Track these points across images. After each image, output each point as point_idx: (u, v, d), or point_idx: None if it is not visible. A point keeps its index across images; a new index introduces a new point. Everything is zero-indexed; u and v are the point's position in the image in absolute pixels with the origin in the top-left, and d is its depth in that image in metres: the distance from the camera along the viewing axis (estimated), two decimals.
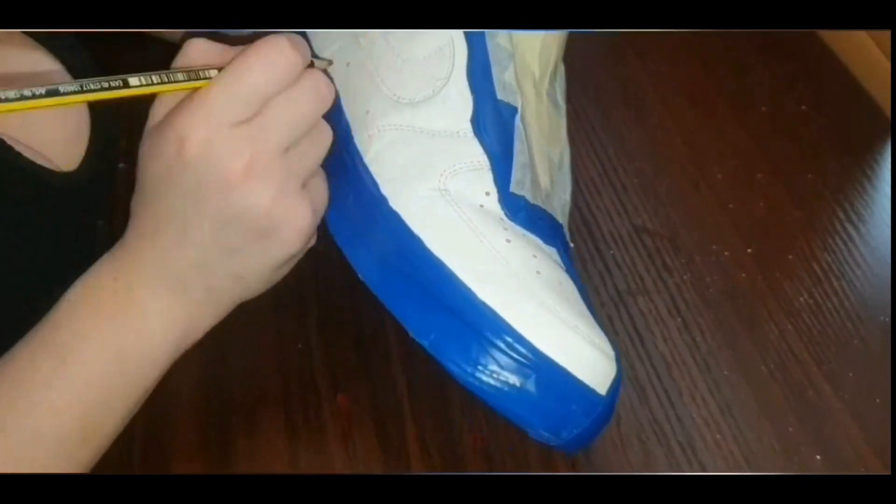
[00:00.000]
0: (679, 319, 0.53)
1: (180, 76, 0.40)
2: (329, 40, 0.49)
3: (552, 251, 0.47)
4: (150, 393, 0.43)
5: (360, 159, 0.46)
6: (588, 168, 0.61)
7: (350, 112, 0.48)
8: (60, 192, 0.47)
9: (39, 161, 0.46)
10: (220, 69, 0.40)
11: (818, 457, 0.48)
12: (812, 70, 0.69)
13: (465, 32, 0.46)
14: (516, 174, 0.46)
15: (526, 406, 0.43)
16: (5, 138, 0.45)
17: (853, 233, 0.58)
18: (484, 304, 0.43)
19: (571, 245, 0.50)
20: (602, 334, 0.44)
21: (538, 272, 0.44)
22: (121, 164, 0.56)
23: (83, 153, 0.50)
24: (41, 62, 0.50)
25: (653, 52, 0.69)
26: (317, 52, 0.49)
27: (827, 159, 0.63)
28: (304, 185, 0.42)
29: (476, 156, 0.46)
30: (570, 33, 0.52)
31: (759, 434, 0.49)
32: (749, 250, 0.57)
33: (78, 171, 0.49)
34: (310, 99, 0.41)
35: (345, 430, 0.47)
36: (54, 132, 0.49)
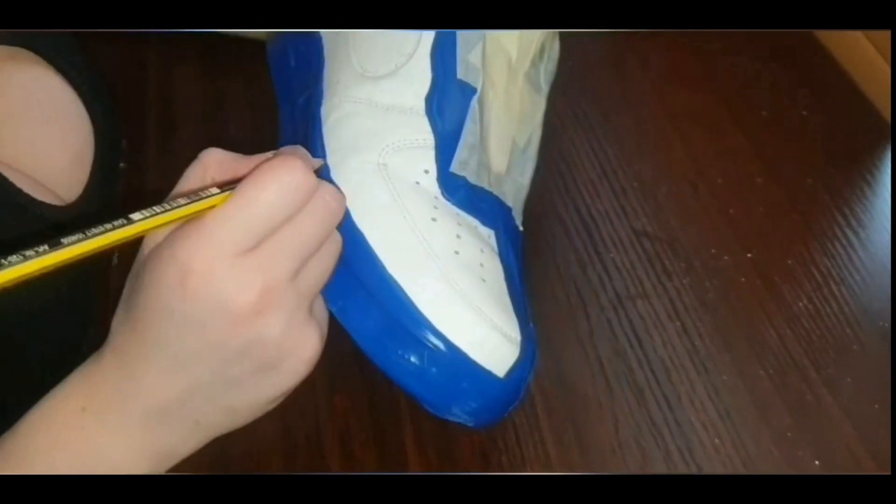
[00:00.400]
0: (678, 323, 0.53)
1: (182, 200, 0.37)
2: None
3: (489, 233, 0.47)
4: None
5: (321, 127, 0.47)
6: (587, 171, 0.61)
7: (327, 79, 0.49)
8: (60, 228, 0.46)
9: (39, 194, 0.45)
10: (221, 187, 0.37)
11: (816, 462, 0.48)
12: (812, 75, 0.69)
13: None
14: (461, 154, 0.47)
15: (415, 379, 0.43)
16: (3, 170, 0.43)
17: (853, 238, 0.58)
18: (391, 277, 0.43)
19: (521, 229, 0.51)
20: (512, 319, 0.45)
21: (457, 252, 0.45)
22: (121, 164, 0.56)
23: (86, 178, 0.49)
24: (52, 82, 0.49)
25: (652, 55, 0.70)
26: None
27: (826, 164, 0.63)
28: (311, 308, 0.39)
29: (423, 133, 0.47)
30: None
31: (758, 439, 0.48)
32: (748, 255, 0.57)
33: (79, 201, 0.47)
34: (321, 219, 0.39)
35: (342, 431, 0.47)
36: (55, 157, 0.48)
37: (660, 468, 0.47)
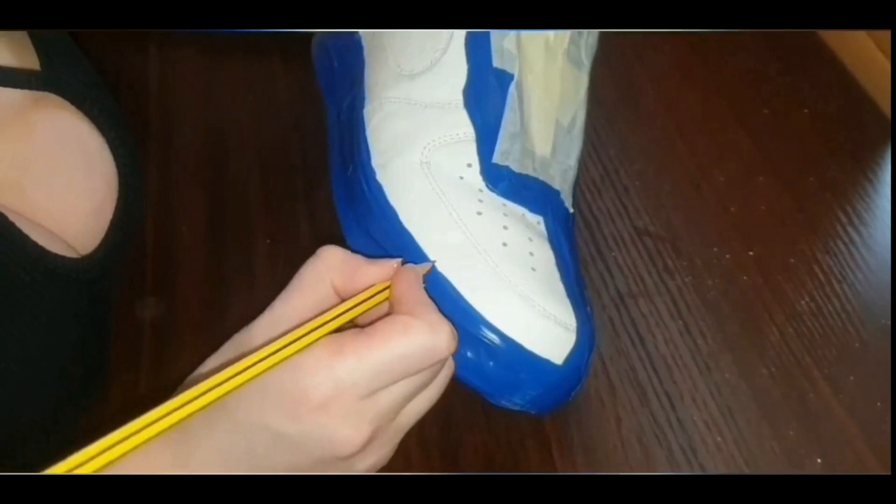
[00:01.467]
0: (680, 322, 0.53)
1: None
2: None
3: (538, 219, 0.47)
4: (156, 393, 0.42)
5: (363, 130, 0.47)
6: (589, 169, 0.61)
7: (368, 82, 0.49)
8: (72, 280, 0.44)
9: (52, 246, 0.43)
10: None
11: (819, 460, 0.48)
12: (814, 73, 0.69)
13: None
14: (502, 145, 0.47)
15: (475, 373, 0.44)
16: (14, 218, 0.41)
17: (855, 236, 0.58)
18: (442, 275, 0.43)
19: (571, 211, 0.50)
20: (566, 305, 0.45)
21: (504, 244, 0.45)
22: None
23: (105, 228, 0.47)
24: (79, 128, 0.47)
25: (654, 54, 0.69)
26: None
27: (829, 162, 0.63)
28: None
29: (463, 127, 0.47)
30: None
31: (760, 437, 0.48)
32: (750, 253, 0.57)
33: (93, 254, 0.46)
34: (438, 391, 0.40)
35: None
36: (77, 206, 0.46)
37: (662, 467, 0.47)
